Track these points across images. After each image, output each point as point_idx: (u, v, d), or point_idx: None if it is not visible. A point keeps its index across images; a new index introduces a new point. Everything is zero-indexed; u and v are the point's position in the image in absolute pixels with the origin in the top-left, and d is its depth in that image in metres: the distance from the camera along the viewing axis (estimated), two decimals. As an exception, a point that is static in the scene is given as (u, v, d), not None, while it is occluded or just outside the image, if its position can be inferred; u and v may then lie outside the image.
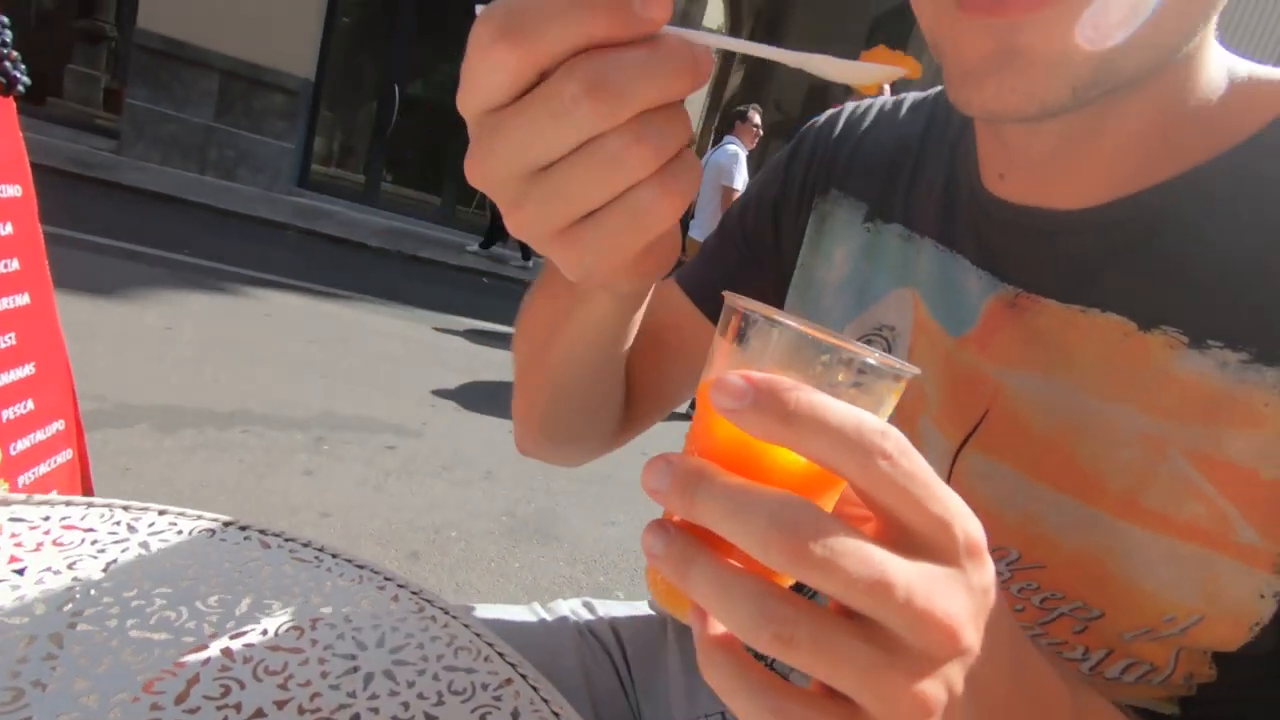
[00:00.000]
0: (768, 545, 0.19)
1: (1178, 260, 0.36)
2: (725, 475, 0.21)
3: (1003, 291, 0.41)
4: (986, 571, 0.22)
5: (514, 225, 0.26)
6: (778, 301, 0.55)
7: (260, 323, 3.63)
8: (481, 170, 0.25)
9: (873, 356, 0.23)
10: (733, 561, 0.21)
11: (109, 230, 4.43)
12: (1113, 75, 0.31)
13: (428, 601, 0.53)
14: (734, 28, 17.59)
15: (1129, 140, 0.36)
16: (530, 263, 7.51)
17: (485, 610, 0.62)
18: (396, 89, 7.50)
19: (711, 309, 0.57)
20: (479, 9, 0.24)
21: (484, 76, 0.23)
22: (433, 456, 2.67)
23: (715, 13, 17.27)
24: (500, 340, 4.46)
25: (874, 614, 0.20)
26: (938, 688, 0.21)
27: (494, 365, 3.94)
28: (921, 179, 0.48)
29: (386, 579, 0.55)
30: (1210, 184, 0.35)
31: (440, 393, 3.32)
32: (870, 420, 0.21)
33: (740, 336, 0.25)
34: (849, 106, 0.56)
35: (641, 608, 0.71)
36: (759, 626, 0.19)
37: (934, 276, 0.45)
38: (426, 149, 9.40)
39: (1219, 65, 0.36)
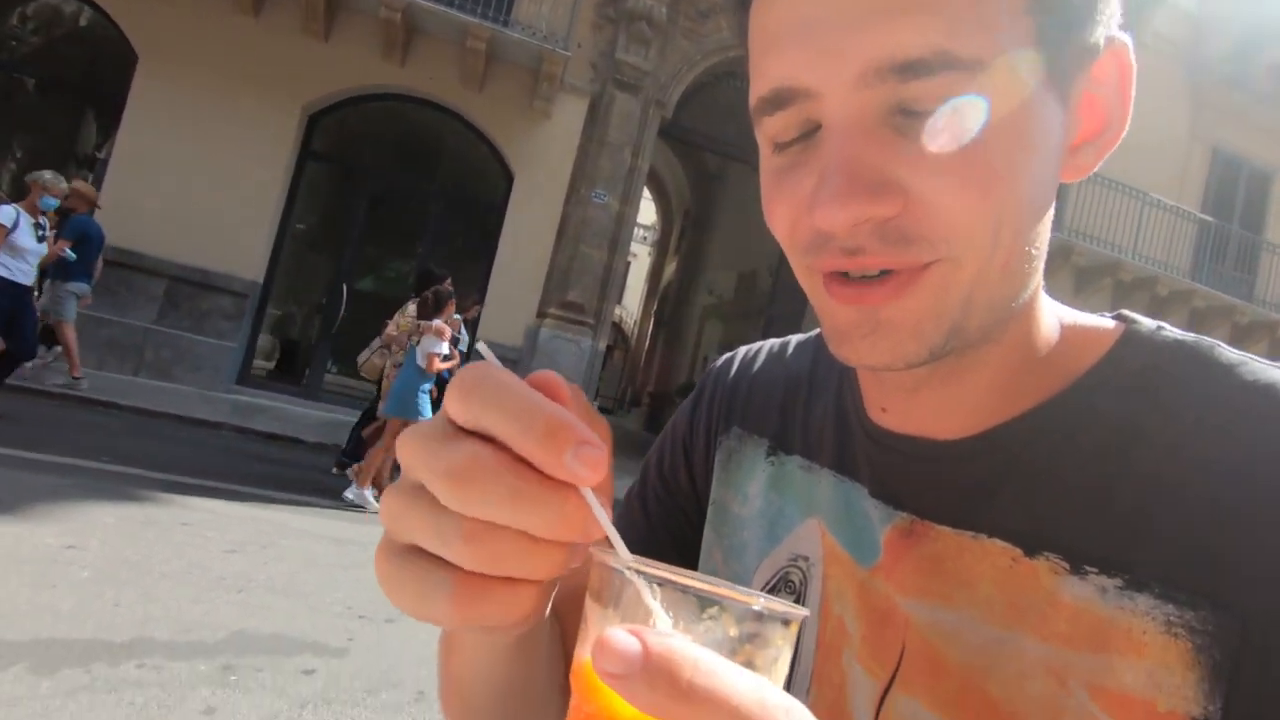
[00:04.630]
0: None
1: (1045, 489, 0.38)
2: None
3: (899, 520, 0.42)
4: None
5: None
6: (698, 543, 0.54)
7: (175, 533, 3.39)
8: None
9: (758, 603, 0.21)
10: None
11: (15, 440, 4.21)
12: (962, 336, 0.36)
13: None
14: (665, 227, 19.31)
15: (986, 382, 0.40)
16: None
17: None
18: (345, 287, 7.77)
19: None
20: (464, 368, 0.25)
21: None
22: (356, 679, 2.41)
23: (648, 212, 19.04)
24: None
25: None
26: None
27: (431, 564, 3.72)
28: (814, 412, 0.51)
29: None
30: (1056, 419, 0.39)
31: (371, 600, 3.08)
32: (773, 696, 0.20)
33: (614, 598, 0.22)
34: (741, 350, 0.60)
35: None
36: None
37: (837, 507, 0.46)
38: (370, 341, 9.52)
39: (1051, 314, 0.42)
